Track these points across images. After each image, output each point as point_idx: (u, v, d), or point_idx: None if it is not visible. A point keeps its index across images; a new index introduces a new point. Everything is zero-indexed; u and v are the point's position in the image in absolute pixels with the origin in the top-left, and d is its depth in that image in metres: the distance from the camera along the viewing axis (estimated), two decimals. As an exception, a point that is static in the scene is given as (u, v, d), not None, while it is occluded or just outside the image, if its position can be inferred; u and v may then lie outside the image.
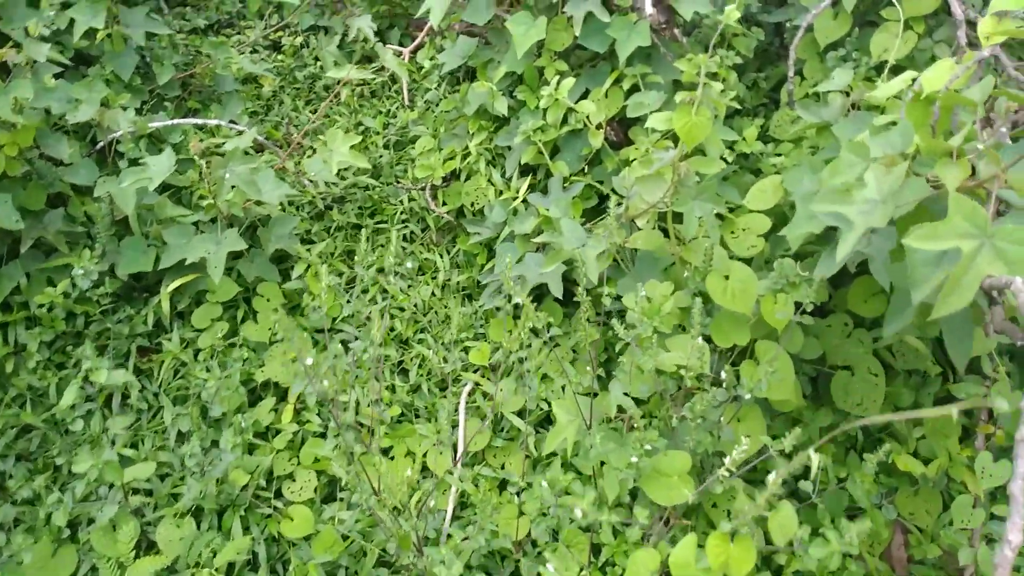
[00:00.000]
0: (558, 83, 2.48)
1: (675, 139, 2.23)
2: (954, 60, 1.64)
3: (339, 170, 3.18)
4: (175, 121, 2.88)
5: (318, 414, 2.39)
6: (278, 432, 2.37)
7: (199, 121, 2.95)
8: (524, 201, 2.65)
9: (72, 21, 2.72)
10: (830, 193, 1.42)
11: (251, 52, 3.89)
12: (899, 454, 1.99)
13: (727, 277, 1.88)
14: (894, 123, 2.04)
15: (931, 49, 2.59)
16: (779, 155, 2.62)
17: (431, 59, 3.51)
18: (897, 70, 2.63)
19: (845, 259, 1.33)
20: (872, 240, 1.63)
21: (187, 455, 2.23)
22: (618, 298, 2.25)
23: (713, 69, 1.82)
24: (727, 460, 1.41)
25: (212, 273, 2.43)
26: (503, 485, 2.23)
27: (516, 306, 2.58)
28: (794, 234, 1.85)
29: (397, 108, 3.56)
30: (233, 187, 2.53)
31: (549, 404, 2.31)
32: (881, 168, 1.38)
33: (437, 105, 3.42)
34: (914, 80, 1.75)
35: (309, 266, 2.72)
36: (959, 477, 2.04)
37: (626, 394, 1.71)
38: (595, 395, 1.91)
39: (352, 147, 2.69)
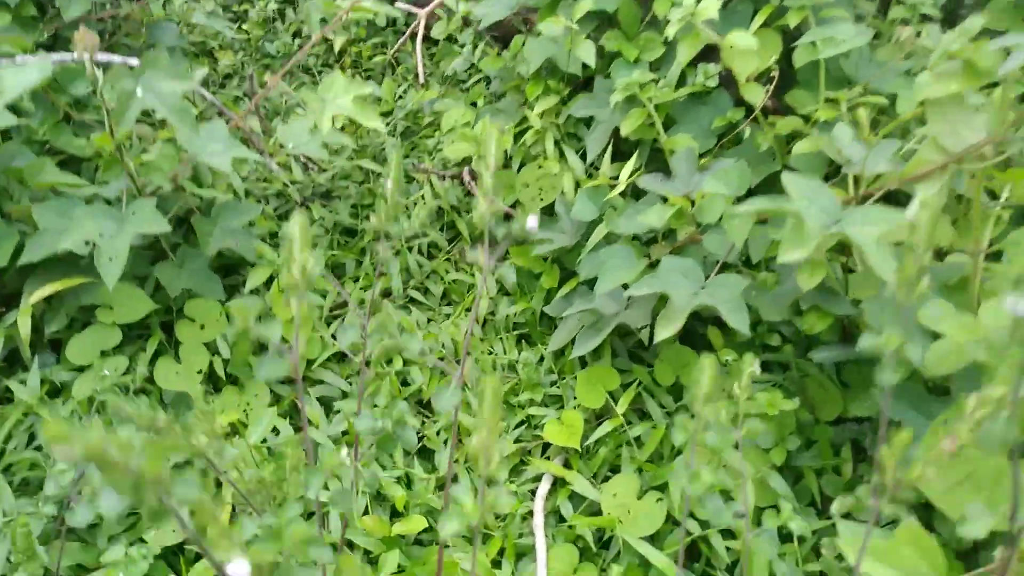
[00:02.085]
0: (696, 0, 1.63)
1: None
2: None
3: (328, 152, 2.27)
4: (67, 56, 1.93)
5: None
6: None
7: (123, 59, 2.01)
8: (623, 193, 1.75)
9: None
10: None
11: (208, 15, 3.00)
12: None
13: None
14: None
15: None
16: None
17: (448, 9, 2.64)
18: None
19: None
20: None
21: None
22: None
23: None
24: None
25: (104, 270, 1.44)
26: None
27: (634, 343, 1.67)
28: None
29: (406, 90, 2.69)
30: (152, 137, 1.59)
31: (703, 524, 1.34)
32: None
33: (464, 82, 2.56)
34: None
35: (274, 277, 1.75)
36: None
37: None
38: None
39: (357, 98, 1.78)
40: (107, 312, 1.61)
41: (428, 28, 2.78)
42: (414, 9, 2.70)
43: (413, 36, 2.75)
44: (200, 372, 1.59)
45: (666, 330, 1.31)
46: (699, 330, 1.65)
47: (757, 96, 1.66)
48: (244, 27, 3.07)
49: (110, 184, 1.71)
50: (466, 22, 2.78)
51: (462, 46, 2.54)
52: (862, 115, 1.37)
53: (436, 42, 2.90)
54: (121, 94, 1.41)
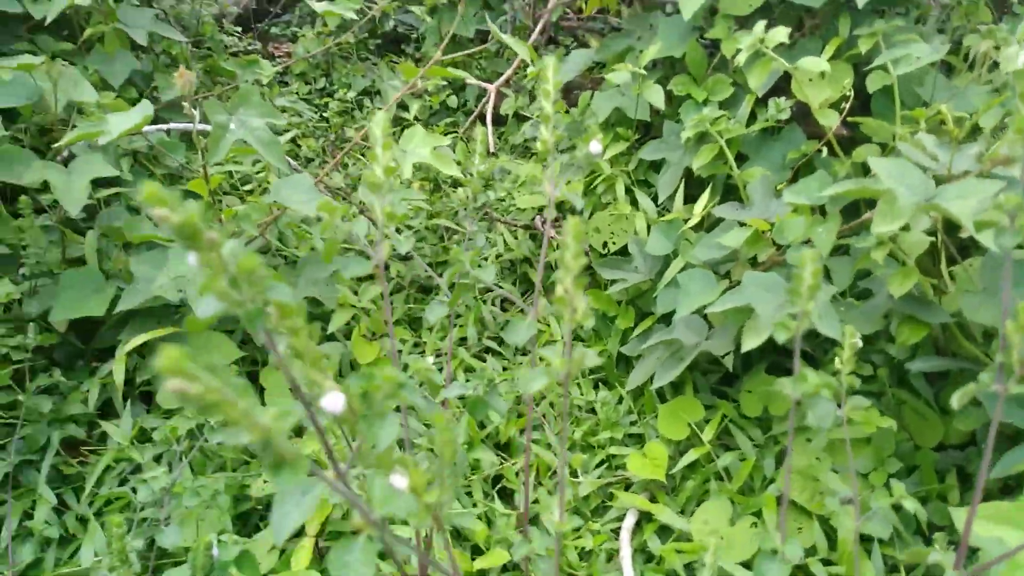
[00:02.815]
0: (765, 29, 1.67)
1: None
2: None
3: (405, 218, 2.35)
4: (171, 126, 2.10)
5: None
6: (280, 587, 1.34)
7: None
8: (698, 228, 1.76)
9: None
10: None
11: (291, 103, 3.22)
12: None
13: None
14: None
15: None
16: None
17: (525, 74, 2.77)
18: None
19: None
20: None
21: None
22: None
23: None
24: None
25: (195, 304, 1.52)
26: None
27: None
28: None
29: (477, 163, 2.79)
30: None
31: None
32: None
33: (533, 148, 2.64)
34: None
35: (355, 318, 1.80)
36: None
37: None
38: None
39: (435, 150, 1.86)
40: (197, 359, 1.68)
41: (496, 108, 2.91)
42: (484, 84, 2.83)
43: (482, 116, 2.88)
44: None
45: (753, 340, 1.29)
46: (786, 363, 1.61)
47: (831, 120, 1.67)
48: (325, 115, 3.27)
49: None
50: (531, 96, 2.90)
51: (530, 117, 2.64)
52: (947, 114, 1.35)
53: (505, 120, 3.03)
54: (215, 126, 1.52)
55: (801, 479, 1.33)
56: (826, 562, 1.26)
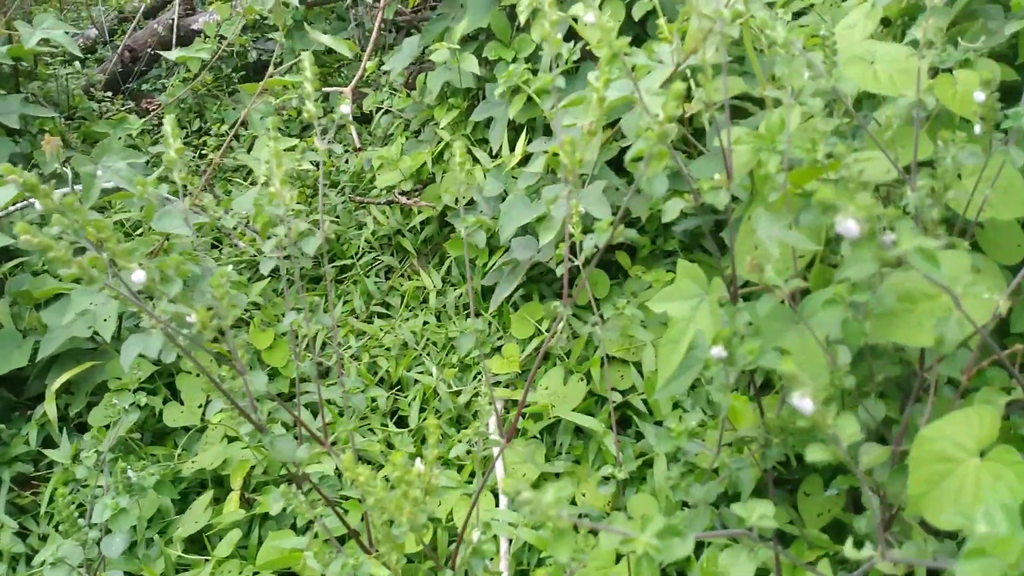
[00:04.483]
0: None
1: None
2: None
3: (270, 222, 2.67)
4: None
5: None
6: (220, 536, 1.64)
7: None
8: (523, 165, 2.10)
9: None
10: None
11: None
12: None
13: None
14: None
15: None
16: None
17: (375, 70, 3.05)
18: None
19: None
20: None
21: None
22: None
23: None
24: None
25: (101, 329, 1.82)
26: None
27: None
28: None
29: (347, 160, 3.11)
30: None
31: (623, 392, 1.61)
32: None
33: (391, 135, 2.97)
34: None
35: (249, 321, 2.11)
36: None
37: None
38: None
39: (287, 150, 2.18)
40: (117, 382, 1.98)
41: (360, 107, 3.23)
42: (339, 89, 3.15)
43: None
44: (200, 406, 1.93)
45: (546, 236, 1.63)
46: (611, 257, 1.95)
47: (619, 44, 2.01)
48: (204, 152, 3.56)
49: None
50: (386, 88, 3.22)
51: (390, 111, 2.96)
52: (664, 26, 1.71)
53: (371, 117, 3.35)
54: (84, 175, 1.81)
55: (621, 339, 1.68)
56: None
